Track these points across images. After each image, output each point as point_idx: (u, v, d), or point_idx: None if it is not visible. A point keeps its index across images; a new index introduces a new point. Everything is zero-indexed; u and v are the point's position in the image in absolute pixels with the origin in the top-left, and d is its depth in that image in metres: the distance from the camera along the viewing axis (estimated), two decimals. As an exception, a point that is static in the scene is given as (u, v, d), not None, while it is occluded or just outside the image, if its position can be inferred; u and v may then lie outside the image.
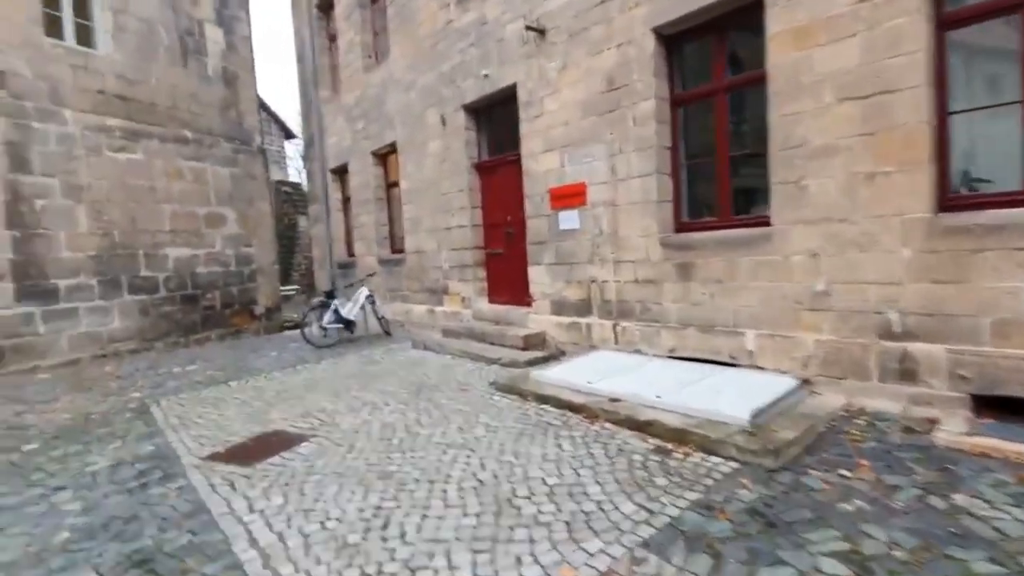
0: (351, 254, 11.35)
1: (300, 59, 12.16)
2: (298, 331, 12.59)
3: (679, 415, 3.80)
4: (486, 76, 6.88)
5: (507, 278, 7.30)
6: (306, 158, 12.31)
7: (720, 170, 4.91)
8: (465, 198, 7.51)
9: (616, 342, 5.61)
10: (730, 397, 3.89)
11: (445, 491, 3.21)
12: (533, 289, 6.60)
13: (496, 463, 3.54)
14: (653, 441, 3.70)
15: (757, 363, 4.50)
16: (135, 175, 9.36)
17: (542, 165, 6.28)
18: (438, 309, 8.25)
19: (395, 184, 9.71)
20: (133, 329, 9.24)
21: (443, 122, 7.72)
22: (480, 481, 3.31)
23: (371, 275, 9.06)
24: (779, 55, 4.17)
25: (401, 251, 9.41)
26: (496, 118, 7.34)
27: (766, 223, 4.40)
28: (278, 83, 49.80)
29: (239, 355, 8.41)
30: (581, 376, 4.75)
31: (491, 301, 7.59)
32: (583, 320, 5.97)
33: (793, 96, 4.10)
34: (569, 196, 5.94)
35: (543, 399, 4.61)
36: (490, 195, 7.47)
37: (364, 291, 8.62)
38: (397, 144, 8.86)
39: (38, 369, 8.01)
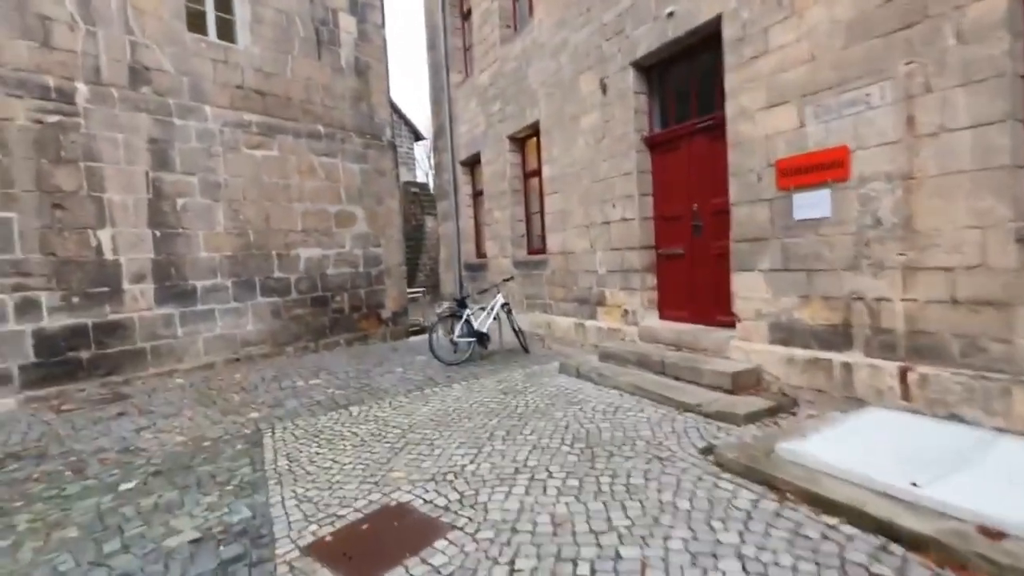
0: (481, 255, 10.21)
1: (431, 46, 11.33)
2: (424, 337, 11.85)
3: None
4: (670, 15, 5.15)
5: (690, 287, 5.53)
6: (434, 150, 11.49)
7: None
8: (631, 184, 5.86)
9: (905, 398, 3.59)
10: None
11: None
12: (739, 305, 4.74)
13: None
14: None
15: None
16: (270, 172, 9.00)
17: (763, 127, 4.40)
18: (590, 324, 6.69)
19: (534, 173, 8.33)
20: (265, 332, 8.87)
21: (603, 88, 6.14)
22: None
23: (508, 279, 7.77)
24: None
25: (541, 251, 7.99)
26: (677, 75, 5.59)
27: None
28: (406, 84, 51.73)
29: (364, 367, 7.55)
30: (880, 465, 2.83)
31: (665, 317, 5.86)
32: (835, 357, 3.99)
33: None
34: (814, 169, 4.02)
35: (824, 504, 2.74)
36: (666, 178, 5.74)
37: (500, 298, 7.34)
38: (540, 123, 7.45)
39: (175, 373, 7.80)
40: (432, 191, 29.79)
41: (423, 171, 34.31)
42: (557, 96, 7.02)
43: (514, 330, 7.36)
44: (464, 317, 6.99)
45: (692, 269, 5.48)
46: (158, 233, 7.71)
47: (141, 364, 7.53)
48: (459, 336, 6.98)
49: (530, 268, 8.04)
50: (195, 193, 8.11)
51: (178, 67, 8.01)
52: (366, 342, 10.40)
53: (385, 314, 10.81)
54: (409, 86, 51.40)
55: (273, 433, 4.90)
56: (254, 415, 5.54)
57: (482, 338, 7.07)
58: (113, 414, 6.00)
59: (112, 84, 7.37)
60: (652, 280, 5.92)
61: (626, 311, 6.09)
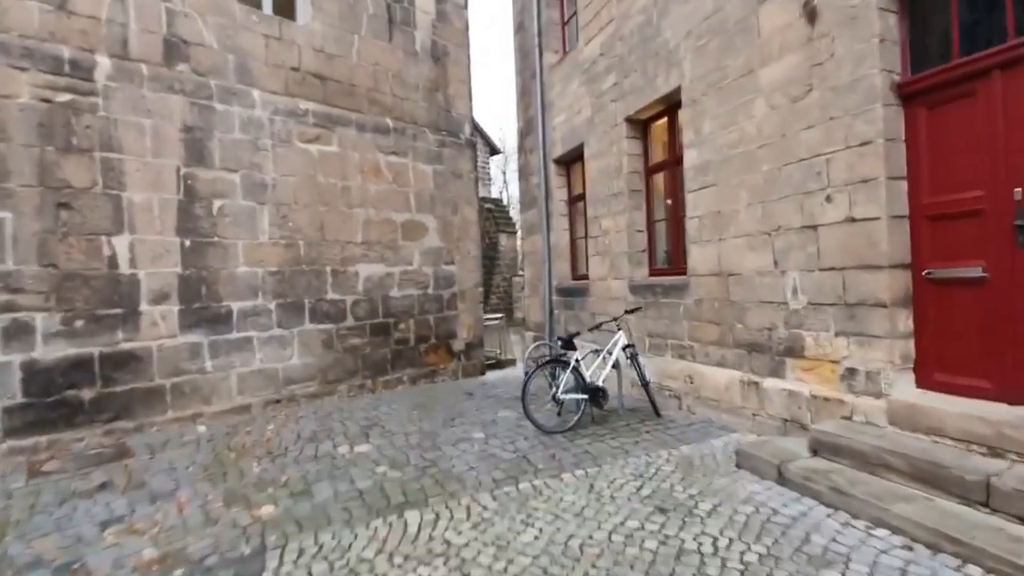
0: (579, 276, 8.10)
1: (519, 27, 9.54)
2: (502, 373, 9.84)
3: None
4: None
5: (1000, 335, 3.12)
6: (521, 151, 9.63)
7: None
8: (872, 160, 3.54)
9: None
10: None
11: None
12: None
13: None
14: None
15: None
16: (327, 171, 7.41)
17: None
18: (771, 384, 4.34)
19: (662, 166, 6.17)
20: (314, 367, 7.17)
21: (809, 14, 3.90)
22: None
23: (633, 311, 5.55)
24: None
25: (675, 271, 5.76)
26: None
27: None
28: (479, 93, 50.46)
29: (430, 426, 5.58)
30: None
31: (936, 385, 3.42)
32: None
33: None
34: None
35: None
36: (943, 148, 3.40)
37: (621, 338, 5.17)
38: (681, 92, 5.29)
39: (199, 418, 6.20)
40: (505, 207, 28.29)
41: (497, 187, 32.96)
42: (712, 48, 4.86)
43: (642, 383, 5.13)
44: (571, 364, 4.86)
45: (1007, 303, 3.07)
46: (188, 242, 6.23)
47: (158, 406, 5.98)
48: (565, 391, 4.84)
49: (656, 295, 5.82)
50: (236, 194, 6.61)
51: (223, 42, 6.61)
52: (433, 379, 8.51)
53: (457, 346, 8.91)
54: (482, 95, 50.25)
55: (281, 560, 2.97)
56: (266, 510, 3.67)
57: (597, 395, 4.91)
58: (95, 486, 4.37)
59: (142, 59, 6.02)
60: (907, 321, 3.53)
61: (850, 371, 3.72)
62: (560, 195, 8.37)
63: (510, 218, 25.98)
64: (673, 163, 5.87)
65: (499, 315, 12.08)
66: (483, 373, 9.33)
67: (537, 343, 7.13)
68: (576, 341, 5.18)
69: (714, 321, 4.95)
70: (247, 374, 6.61)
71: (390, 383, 7.97)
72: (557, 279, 8.34)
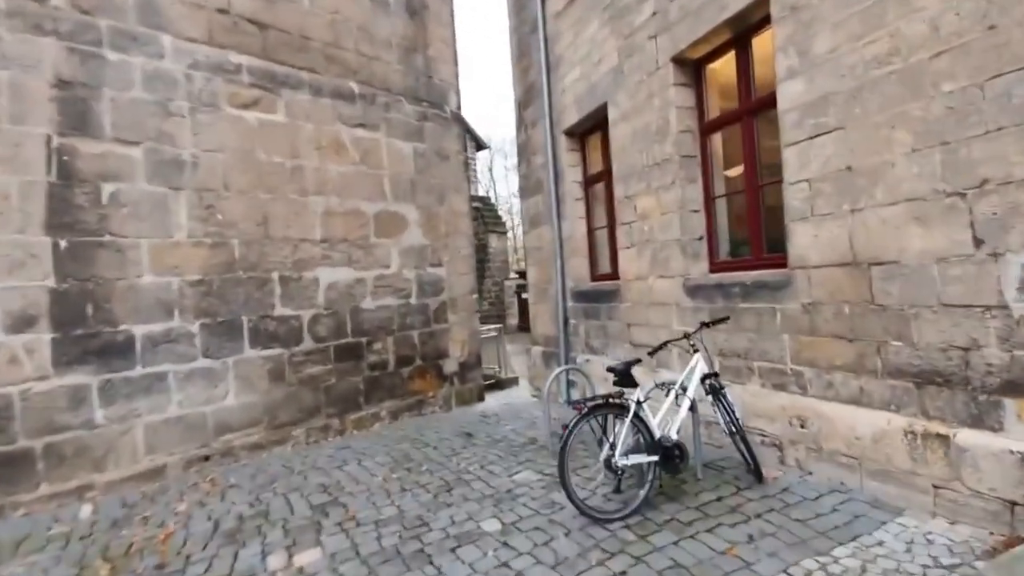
0: (600, 275, 6.40)
1: (513, -23, 7.83)
2: (503, 400, 7.95)
3: None
4: None
5: None
6: (520, 126, 7.90)
7: None
8: None
9: None
10: None
11: None
12: None
13: None
14: None
15: None
16: (272, 147, 5.62)
17: None
18: (973, 440, 2.65)
19: (729, 118, 4.49)
20: (257, 408, 5.35)
21: None
22: None
23: (718, 322, 3.77)
24: None
25: (764, 263, 4.06)
26: None
27: None
28: (464, 86, 49.19)
29: (415, 500, 3.81)
30: None
31: None
32: None
33: None
34: None
35: None
36: None
37: (698, 364, 3.43)
38: None
39: (87, 492, 4.36)
40: (494, 206, 26.50)
41: (483, 186, 31.24)
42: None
43: (733, 431, 3.39)
44: (632, 410, 3.10)
45: None
46: (64, 243, 4.39)
47: (24, 479, 4.12)
48: (624, 454, 3.06)
49: (730, 297, 4.13)
50: (137, 176, 4.79)
51: (114, -34, 4.80)
52: (420, 411, 6.73)
53: (449, 367, 7.14)
54: (463, 87, 48.57)
55: None
56: None
57: (672, 456, 3.16)
58: None
59: (-16, -19, 4.20)
60: None
61: None
62: (573, 175, 6.65)
63: (499, 217, 24.30)
64: (747, 112, 4.18)
65: (497, 325, 10.33)
66: (481, 399, 7.58)
67: (561, 369, 5.34)
68: (636, 371, 3.42)
69: (843, 335, 3.27)
70: (159, 424, 4.77)
71: (364, 421, 6.16)
72: (572, 280, 6.63)
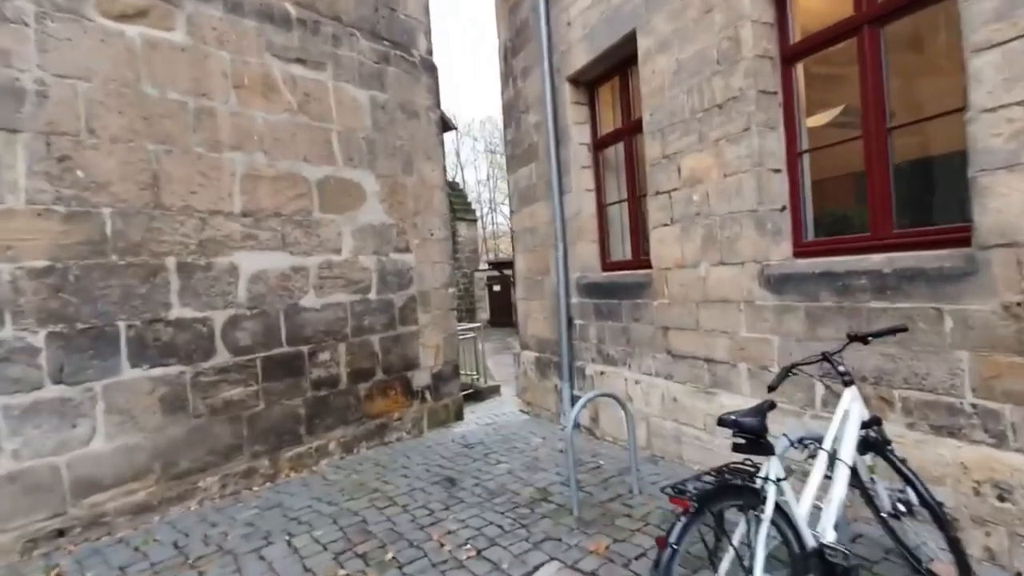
0: (615, 263, 5.02)
1: None
2: (482, 409, 6.48)
3: None
4: None
5: None
6: (506, 79, 6.38)
7: None
8: None
9: None
10: None
11: None
12: None
13: None
14: None
15: None
16: (165, 78, 3.95)
17: None
18: None
19: (816, 42, 3.13)
20: (145, 451, 3.72)
21: None
22: None
23: (887, 332, 2.43)
24: None
25: (906, 241, 2.71)
26: None
27: None
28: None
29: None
30: None
31: None
32: None
33: None
34: None
35: None
36: None
37: (852, 406, 2.05)
38: None
39: None
40: (463, 191, 24.74)
41: (450, 170, 29.47)
42: None
43: (896, 511, 2.04)
44: (770, 498, 1.72)
45: None
46: None
47: None
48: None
49: (844, 294, 2.79)
50: (-69, 103, 3.07)
51: None
52: (383, 439, 5.21)
53: (419, 380, 5.63)
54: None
55: None
56: None
57: (834, 574, 1.81)
58: None
59: None
60: None
61: None
62: (580, 136, 5.21)
63: (469, 204, 22.66)
64: (874, 16, 2.82)
65: (475, 324, 8.87)
66: (460, 417, 6.11)
67: (591, 395, 3.67)
68: (766, 415, 1.94)
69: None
70: (-26, 490, 3.10)
71: (305, 459, 4.59)
72: (578, 270, 5.20)
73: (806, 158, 3.36)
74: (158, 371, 3.79)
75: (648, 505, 3.18)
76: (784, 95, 3.33)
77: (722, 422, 1.85)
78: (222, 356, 4.13)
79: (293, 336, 4.58)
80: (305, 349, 4.66)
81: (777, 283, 3.20)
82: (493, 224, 35.44)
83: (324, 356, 4.80)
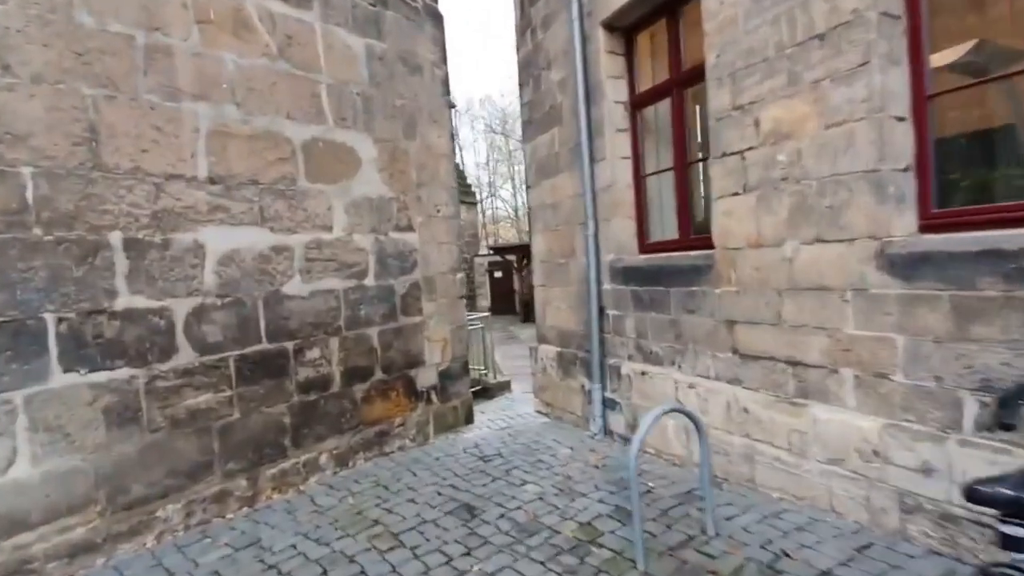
0: (655, 244, 4.25)
1: None
2: (492, 409, 5.72)
3: None
4: None
5: None
6: (524, 34, 5.53)
7: None
8: None
9: None
10: None
11: None
12: None
13: None
14: None
15: None
16: (106, 5, 3.09)
17: None
18: None
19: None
20: (85, 476, 2.95)
21: None
22: None
23: None
24: None
25: None
26: None
27: None
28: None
29: None
30: None
31: None
32: None
33: None
34: None
35: None
36: None
37: None
38: None
39: None
40: (461, 171, 23.72)
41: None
42: None
43: None
44: None
45: None
46: None
47: None
48: None
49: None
50: None
51: None
52: (384, 451, 4.46)
53: (424, 378, 4.87)
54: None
55: None
56: None
57: None
58: None
59: None
60: None
61: None
62: (616, 92, 4.39)
63: (469, 186, 21.76)
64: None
65: (482, 314, 8.10)
66: (470, 420, 5.37)
67: (664, 409, 2.74)
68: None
69: None
70: None
71: (291, 476, 3.84)
72: (612, 252, 4.43)
73: (933, 105, 2.58)
74: (101, 376, 3.00)
75: (734, 555, 2.45)
76: (911, 18, 2.54)
77: (977, 496, 1.08)
78: (185, 355, 3.34)
79: (275, 330, 3.80)
80: (290, 345, 3.89)
81: (906, 265, 2.43)
82: (492, 209, 34.54)
83: (313, 353, 4.02)
